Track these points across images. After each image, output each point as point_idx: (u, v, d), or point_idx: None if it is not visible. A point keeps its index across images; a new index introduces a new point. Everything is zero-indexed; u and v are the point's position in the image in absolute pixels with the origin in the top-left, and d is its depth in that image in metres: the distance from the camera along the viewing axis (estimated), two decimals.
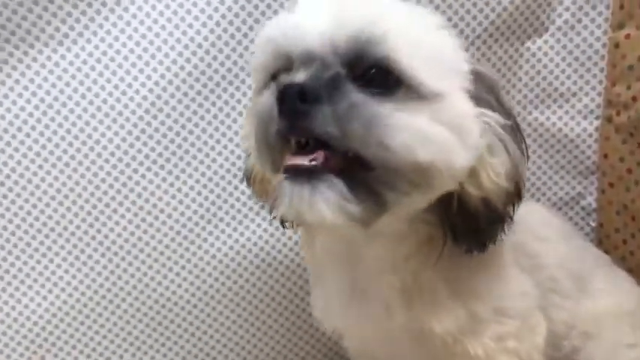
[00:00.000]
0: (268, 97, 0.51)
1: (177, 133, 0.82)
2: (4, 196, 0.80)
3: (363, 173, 0.49)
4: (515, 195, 0.58)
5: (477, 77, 0.55)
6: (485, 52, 0.85)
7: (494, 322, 0.64)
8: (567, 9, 0.86)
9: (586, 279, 0.77)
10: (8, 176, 0.79)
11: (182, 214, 0.84)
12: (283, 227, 0.68)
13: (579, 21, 0.87)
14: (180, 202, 0.84)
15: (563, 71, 0.89)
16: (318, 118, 0.48)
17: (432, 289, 0.62)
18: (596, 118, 0.90)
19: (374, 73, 0.50)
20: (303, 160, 0.49)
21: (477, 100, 0.55)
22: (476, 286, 0.64)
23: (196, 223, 0.85)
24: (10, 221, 0.81)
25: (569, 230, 0.83)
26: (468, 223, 0.57)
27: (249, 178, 0.66)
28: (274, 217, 0.68)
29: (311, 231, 0.67)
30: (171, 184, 0.83)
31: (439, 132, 0.50)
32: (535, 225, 0.74)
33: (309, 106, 0.48)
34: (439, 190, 0.55)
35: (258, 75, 0.57)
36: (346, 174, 0.49)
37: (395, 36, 0.49)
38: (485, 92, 0.56)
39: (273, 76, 0.55)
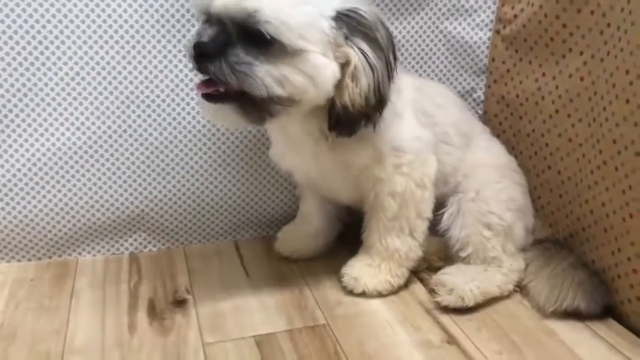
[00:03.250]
0: (190, 40, 0.81)
1: (176, 10, 1.03)
2: (36, 57, 1.00)
3: (250, 100, 0.80)
4: (379, 103, 0.85)
5: (351, 18, 0.82)
6: None
7: (393, 156, 0.95)
8: None
9: (470, 138, 1.08)
10: (41, 43, 0.99)
11: (176, 76, 1.07)
12: None
13: None
14: (175, 66, 1.06)
15: None
16: (213, 67, 0.78)
17: (346, 138, 0.90)
18: (489, 30, 1.20)
19: (256, 35, 0.77)
20: (208, 89, 0.81)
21: (352, 34, 0.82)
22: (381, 133, 0.92)
23: (186, 85, 1.08)
24: (44, 74, 1.01)
25: (463, 105, 1.14)
26: (336, 121, 0.86)
27: None
28: None
29: None
30: (169, 51, 1.05)
31: (296, 78, 0.80)
32: (434, 94, 1.04)
33: (208, 59, 0.78)
34: (305, 107, 0.85)
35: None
36: (240, 99, 0.80)
37: (268, 12, 0.76)
38: (359, 29, 0.82)
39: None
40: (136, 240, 1.16)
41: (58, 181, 1.07)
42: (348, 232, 1.13)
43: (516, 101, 1.17)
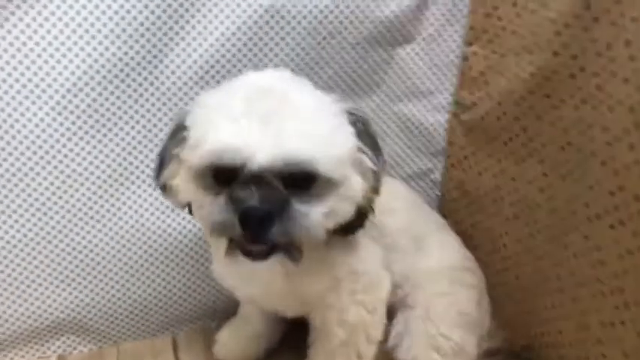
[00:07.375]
0: (226, 211, 0.68)
1: (95, 110, 0.93)
2: None
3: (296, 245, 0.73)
4: (375, 194, 0.78)
5: (358, 120, 0.74)
6: (364, 55, 1.02)
7: (348, 281, 0.87)
8: (432, 24, 1.03)
9: (422, 240, 0.99)
10: None
11: (98, 177, 0.97)
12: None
13: (440, 35, 1.05)
14: (97, 167, 0.96)
15: (424, 74, 1.07)
16: (273, 233, 0.67)
17: (307, 264, 0.82)
18: (447, 112, 1.11)
19: (302, 179, 0.68)
20: (260, 246, 0.70)
21: (358, 135, 0.74)
22: (337, 258, 0.85)
23: (110, 185, 0.98)
24: None
25: (414, 199, 1.05)
26: (347, 224, 0.77)
27: (164, 188, 0.79)
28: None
29: None
30: (89, 152, 0.95)
31: (343, 207, 0.73)
32: (384, 201, 0.95)
33: (266, 227, 0.67)
34: None
35: (201, 166, 0.70)
36: (283, 248, 0.71)
37: (316, 158, 0.67)
38: (361, 126, 0.74)
39: (217, 175, 0.69)
40: (64, 342, 1.07)
41: None
42: (292, 334, 1.05)
43: (475, 193, 1.08)
